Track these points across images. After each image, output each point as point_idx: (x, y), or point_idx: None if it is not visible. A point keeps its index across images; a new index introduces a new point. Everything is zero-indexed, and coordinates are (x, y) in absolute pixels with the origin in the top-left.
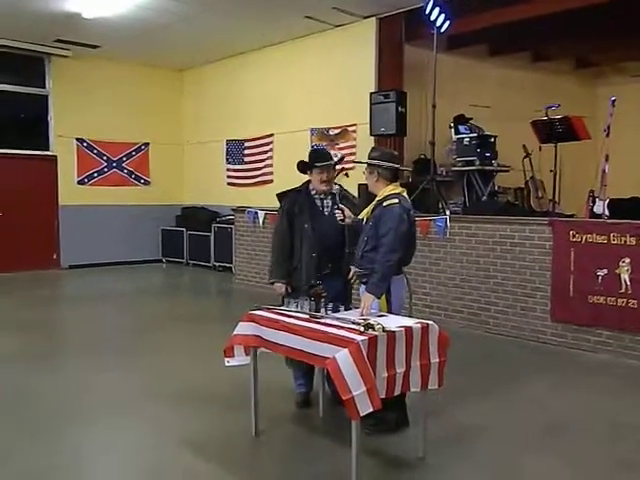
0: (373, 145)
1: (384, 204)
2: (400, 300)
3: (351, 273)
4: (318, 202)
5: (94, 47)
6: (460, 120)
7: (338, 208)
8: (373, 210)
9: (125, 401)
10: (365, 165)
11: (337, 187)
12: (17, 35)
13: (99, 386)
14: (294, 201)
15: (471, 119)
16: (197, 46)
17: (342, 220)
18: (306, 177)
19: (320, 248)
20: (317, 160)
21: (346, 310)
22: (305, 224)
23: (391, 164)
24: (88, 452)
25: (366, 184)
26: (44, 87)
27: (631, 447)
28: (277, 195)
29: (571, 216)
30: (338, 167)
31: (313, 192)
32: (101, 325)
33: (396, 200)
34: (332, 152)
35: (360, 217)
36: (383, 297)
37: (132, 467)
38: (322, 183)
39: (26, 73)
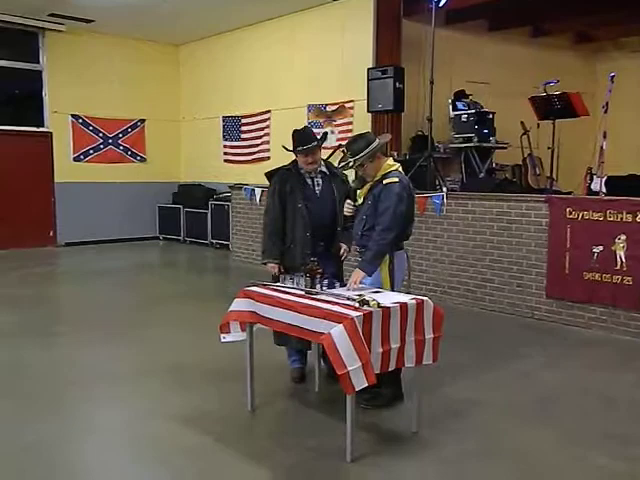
0: (370, 122)
1: (384, 182)
2: (402, 275)
3: (342, 250)
4: (309, 181)
5: (88, 21)
6: (460, 96)
7: (348, 202)
8: (371, 188)
9: (121, 376)
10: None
11: (324, 164)
12: (10, 9)
13: (95, 361)
14: (285, 180)
15: (471, 95)
16: (193, 21)
17: (349, 213)
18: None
19: (314, 227)
20: (299, 144)
21: (342, 287)
22: (298, 204)
23: (384, 140)
24: (85, 425)
25: None
26: (38, 62)
27: (622, 421)
28: (266, 174)
29: (569, 193)
30: (334, 144)
31: (302, 170)
32: (98, 301)
33: (396, 179)
34: (318, 130)
35: (358, 197)
36: (386, 273)
37: (127, 440)
38: (308, 164)
39: (20, 48)
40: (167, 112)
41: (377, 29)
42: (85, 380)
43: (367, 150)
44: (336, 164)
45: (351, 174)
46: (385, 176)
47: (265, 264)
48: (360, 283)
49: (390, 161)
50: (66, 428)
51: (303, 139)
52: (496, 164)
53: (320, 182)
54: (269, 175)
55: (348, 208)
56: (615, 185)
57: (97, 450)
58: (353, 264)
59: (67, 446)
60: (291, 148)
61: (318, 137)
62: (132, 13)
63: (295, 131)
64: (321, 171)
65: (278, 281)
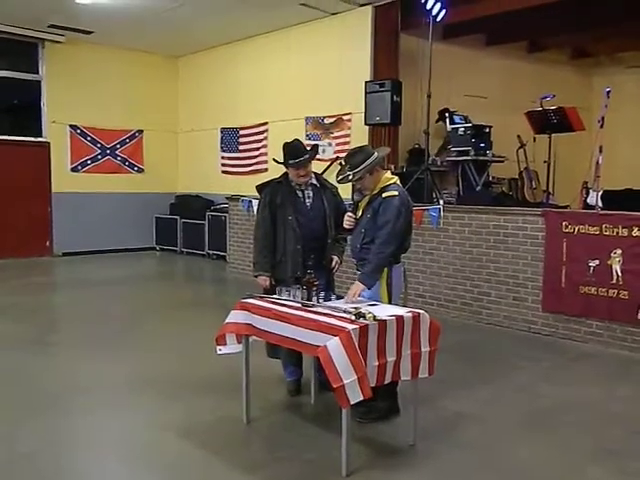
0: (367, 134)
1: (383, 195)
2: (399, 289)
3: (333, 262)
4: (299, 193)
5: (88, 33)
6: (444, 113)
7: (348, 215)
8: (370, 201)
9: (116, 387)
10: (358, 174)
11: (314, 176)
12: (10, 20)
13: (90, 372)
14: (275, 192)
15: (455, 110)
16: (192, 33)
17: (350, 226)
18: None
19: (304, 240)
20: (291, 157)
21: (337, 299)
22: (289, 216)
23: (383, 153)
24: (79, 436)
25: None
26: (37, 73)
27: (618, 435)
28: (257, 187)
29: (565, 207)
30: (332, 157)
31: (293, 183)
32: (93, 311)
33: (395, 192)
34: (311, 142)
35: (358, 210)
36: (384, 286)
37: (123, 452)
38: (300, 177)
39: (19, 59)
40: (165, 123)
41: (375, 43)
42: (80, 390)
43: (366, 163)
44: (334, 176)
45: (342, 187)
46: (384, 189)
47: (256, 277)
48: (359, 296)
49: (388, 174)
50: (60, 438)
51: (294, 152)
52: (493, 177)
53: (311, 194)
54: (260, 188)
55: (349, 221)
56: (611, 199)
57: (91, 460)
58: (350, 276)
59: (61, 456)
60: (282, 161)
61: (308, 149)
62: (131, 25)
63: (286, 144)
64: (311, 183)
65: (270, 294)
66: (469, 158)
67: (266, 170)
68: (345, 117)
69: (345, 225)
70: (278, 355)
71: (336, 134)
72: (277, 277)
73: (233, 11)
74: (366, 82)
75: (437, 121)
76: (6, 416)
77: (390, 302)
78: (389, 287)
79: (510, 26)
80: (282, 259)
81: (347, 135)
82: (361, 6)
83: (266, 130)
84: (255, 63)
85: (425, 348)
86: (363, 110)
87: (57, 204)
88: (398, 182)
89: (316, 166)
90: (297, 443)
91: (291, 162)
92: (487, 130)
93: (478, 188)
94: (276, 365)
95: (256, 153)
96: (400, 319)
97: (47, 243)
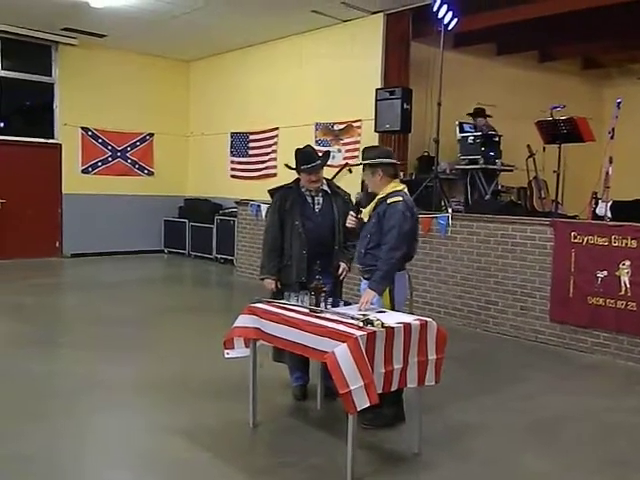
0: (377, 141)
1: (388, 201)
2: (402, 296)
3: (341, 269)
4: (309, 199)
5: (101, 36)
6: (477, 114)
7: (350, 215)
8: (375, 207)
9: (122, 389)
10: (363, 167)
11: (326, 183)
12: (25, 23)
13: (96, 373)
14: (285, 198)
15: (490, 116)
16: (204, 38)
17: (351, 225)
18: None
19: (310, 245)
20: (303, 163)
21: (345, 305)
22: (296, 221)
23: (392, 160)
24: (84, 437)
25: None
26: (50, 75)
27: (623, 447)
28: (269, 191)
29: (574, 217)
30: (341, 162)
31: (303, 189)
32: (100, 314)
33: (400, 198)
34: (321, 148)
35: (363, 216)
36: (387, 293)
37: (128, 455)
38: (311, 183)
39: (33, 61)
40: (176, 127)
41: (386, 50)
42: (85, 392)
43: (372, 159)
44: (343, 183)
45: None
46: (389, 195)
47: (262, 280)
48: (371, 304)
49: (394, 182)
50: (65, 440)
51: (307, 158)
52: (502, 186)
53: (320, 200)
54: (272, 192)
55: (351, 221)
56: (620, 210)
57: (95, 463)
58: (357, 282)
59: (64, 458)
60: (294, 166)
61: (320, 155)
62: (144, 29)
63: (298, 150)
64: (322, 190)
65: (277, 297)
66: (478, 167)
67: (275, 175)
68: (355, 124)
69: (347, 224)
70: (283, 359)
71: (346, 140)
72: (283, 281)
73: (244, 17)
74: (376, 89)
75: (470, 114)
76: (11, 416)
77: (393, 309)
78: (391, 293)
79: (521, 36)
80: (288, 263)
81: (357, 142)
82: (373, 14)
83: (276, 135)
84: (266, 69)
85: (432, 356)
86: (373, 117)
87: (67, 205)
88: (406, 190)
89: (325, 172)
90: (303, 448)
91: (303, 168)
92: (497, 139)
93: (487, 197)
94: (282, 369)
95: (266, 158)
96: (407, 327)
97: (57, 244)
